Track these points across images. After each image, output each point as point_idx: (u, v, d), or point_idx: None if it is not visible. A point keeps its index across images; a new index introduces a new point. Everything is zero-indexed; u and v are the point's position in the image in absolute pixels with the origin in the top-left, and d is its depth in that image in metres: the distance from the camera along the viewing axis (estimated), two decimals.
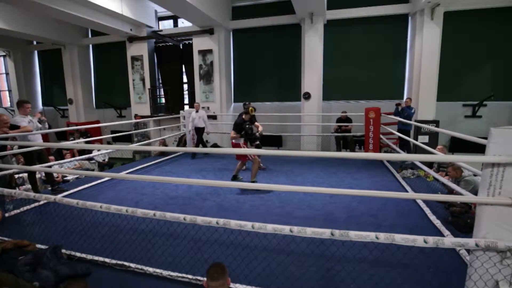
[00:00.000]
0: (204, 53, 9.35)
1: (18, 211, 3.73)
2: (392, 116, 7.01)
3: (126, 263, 2.46)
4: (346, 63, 9.18)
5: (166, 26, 10.71)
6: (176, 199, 4.26)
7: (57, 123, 12.61)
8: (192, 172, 5.94)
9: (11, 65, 12.56)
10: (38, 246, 2.61)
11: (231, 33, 9.94)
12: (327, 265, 2.44)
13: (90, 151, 7.85)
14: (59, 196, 3.54)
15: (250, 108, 4.55)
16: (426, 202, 3.74)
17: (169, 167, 6.45)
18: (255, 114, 4.96)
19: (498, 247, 1.59)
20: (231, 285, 2.15)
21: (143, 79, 10.21)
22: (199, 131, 7.54)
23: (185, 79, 10.84)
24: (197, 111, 7.40)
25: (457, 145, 8.18)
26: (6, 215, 3.59)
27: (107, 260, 2.51)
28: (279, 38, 9.57)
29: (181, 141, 8.56)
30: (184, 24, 10.06)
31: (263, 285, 2.19)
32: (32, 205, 3.91)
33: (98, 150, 7.69)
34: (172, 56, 10.55)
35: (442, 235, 2.93)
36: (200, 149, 6.29)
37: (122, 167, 6.87)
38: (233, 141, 4.75)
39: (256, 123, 4.89)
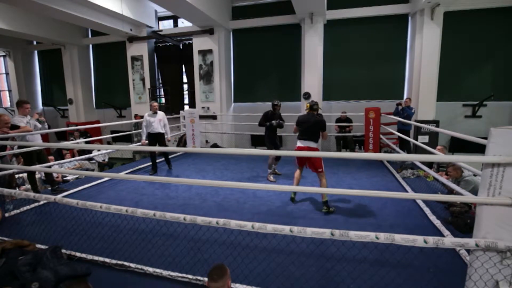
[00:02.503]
0: (204, 53, 9.35)
1: (18, 211, 3.73)
2: (392, 116, 7.01)
3: (126, 263, 2.46)
4: (346, 63, 9.17)
5: (166, 26, 10.71)
6: (176, 199, 4.26)
7: (57, 123, 12.61)
8: (192, 172, 5.95)
9: (11, 65, 12.56)
10: (38, 246, 2.60)
11: (231, 33, 9.94)
12: (327, 265, 2.44)
13: (90, 151, 7.85)
14: (59, 196, 3.54)
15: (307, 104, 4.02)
16: (426, 202, 3.75)
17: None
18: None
19: (498, 247, 1.59)
20: (232, 285, 2.15)
21: (143, 79, 10.21)
22: (156, 138, 5.65)
23: (185, 79, 10.84)
24: (154, 113, 5.65)
25: (457, 145, 8.18)
26: (6, 215, 3.59)
27: (107, 260, 2.51)
28: (279, 38, 9.57)
29: (181, 141, 8.57)
30: (184, 24, 10.06)
31: (263, 285, 2.19)
32: (32, 205, 3.91)
33: (98, 150, 7.69)
34: (172, 56, 10.54)
35: (442, 235, 2.93)
36: (198, 149, 6.28)
37: (122, 167, 6.87)
38: (314, 145, 3.91)
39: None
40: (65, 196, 4.03)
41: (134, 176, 4.58)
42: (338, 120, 8.08)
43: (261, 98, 9.98)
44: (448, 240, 1.75)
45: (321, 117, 3.97)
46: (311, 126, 3.82)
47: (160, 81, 10.96)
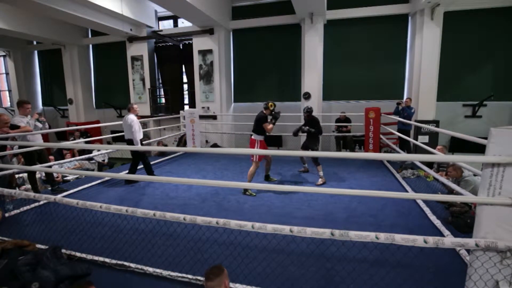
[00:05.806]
0: (204, 53, 9.35)
1: (18, 211, 3.73)
2: (392, 116, 7.01)
3: (126, 263, 2.46)
4: (346, 63, 9.17)
5: (166, 26, 10.71)
6: (176, 199, 4.26)
7: (57, 123, 12.60)
8: (192, 172, 5.94)
9: (11, 65, 12.55)
10: (38, 246, 2.61)
11: (231, 33, 9.94)
12: (327, 265, 2.44)
13: (90, 151, 7.84)
14: (59, 196, 3.54)
15: (270, 103, 4.59)
16: (426, 202, 3.74)
17: (169, 167, 6.45)
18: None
19: (498, 247, 1.59)
20: (231, 285, 2.15)
21: (143, 79, 10.21)
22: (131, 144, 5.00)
23: (185, 79, 10.84)
24: (137, 115, 5.16)
25: (457, 145, 8.18)
26: (6, 215, 3.59)
27: (107, 260, 2.51)
28: (279, 38, 9.56)
29: (181, 141, 8.57)
30: (184, 24, 10.06)
31: (263, 285, 2.19)
32: (32, 205, 3.91)
33: (98, 150, 7.69)
34: (172, 56, 10.54)
35: (442, 235, 2.93)
36: (198, 149, 6.28)
37: (122, 167, 6.87)
38: (252, 137, 4.64)
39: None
40: (65, 196, 4.03)
41: (133, 176, 4.58)
42: (338, 120, 8.09)
43: (261, 98, 9.97)
44: (448, 240, 1.75)
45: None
46: (255, 121, 4.61)
47: (160, 81, 10.96)
